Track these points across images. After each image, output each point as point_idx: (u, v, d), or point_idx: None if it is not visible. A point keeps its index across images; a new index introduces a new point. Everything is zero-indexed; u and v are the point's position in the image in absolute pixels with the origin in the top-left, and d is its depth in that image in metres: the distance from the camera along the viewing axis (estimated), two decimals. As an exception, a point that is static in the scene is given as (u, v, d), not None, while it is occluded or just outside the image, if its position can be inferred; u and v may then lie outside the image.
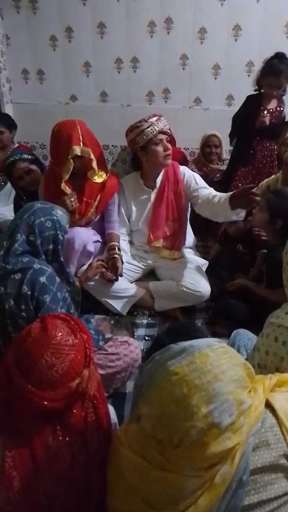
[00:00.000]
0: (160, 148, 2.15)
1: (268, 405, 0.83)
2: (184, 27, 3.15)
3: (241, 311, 2.08)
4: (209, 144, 3.12)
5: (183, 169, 2.35)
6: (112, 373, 1.60)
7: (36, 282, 1.37)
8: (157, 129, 2.10)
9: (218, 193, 2.16)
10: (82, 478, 0.87)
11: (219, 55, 3.22)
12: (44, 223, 1.51)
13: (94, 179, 2.21)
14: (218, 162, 3.24)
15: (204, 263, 2.43)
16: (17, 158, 2.26)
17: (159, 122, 2.12)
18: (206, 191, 2.23)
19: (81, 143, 2.04)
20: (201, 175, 3.10)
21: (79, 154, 2.04)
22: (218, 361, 0.77)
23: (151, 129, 2.10)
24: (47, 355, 0.84)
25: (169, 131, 2.18)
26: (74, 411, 0.86)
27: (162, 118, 2.16)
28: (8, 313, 1.34)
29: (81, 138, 2.04)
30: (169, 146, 2.18)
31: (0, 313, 1.34)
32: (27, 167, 2.28)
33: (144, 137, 2.12)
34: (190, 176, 2.31)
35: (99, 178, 2.23)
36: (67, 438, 0.86)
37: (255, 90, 2.72)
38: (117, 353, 1.63)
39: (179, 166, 2.34)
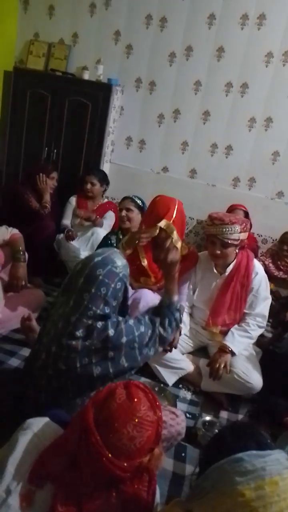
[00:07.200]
0: (210, 247, 2.28)
1: None
2: (282, 127, 3.38)
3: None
4: (283, 240, 3.20)
5: (258, 268, 2.36)
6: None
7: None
8: (211, 233, 2.23)
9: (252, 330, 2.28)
10: None
11: (310, 158, 3.39)
12: (115, 289, 1.46)
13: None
14: None
15: (258, 351, 2.41)
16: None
17: (219, 228, 2.18)
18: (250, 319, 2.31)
19: (171, 220, 2.21)
20: (271, 268, 3.20)
21: (163, 227, 2.20)
22: (286, 493, 0.75)
23: (210, 230, 2.23)
24: (130, 427, 0.86)
25: (226, 241, 2.20)
26: (133, 481, 0.90)
27: (230, 227, 2.17)
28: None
29: (173, 216, 2.21)
30: (218, 252, 2.23)
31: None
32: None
33: (205, 231, 2.32)
34: (258, 286, 2.32)
35: (183, 250, 2.35)
36: (118, 507, 0.89)
37: None
38: (164, 421, 1.61)
39: (254, 260, 2.38)
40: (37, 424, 1.02)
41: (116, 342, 1.44)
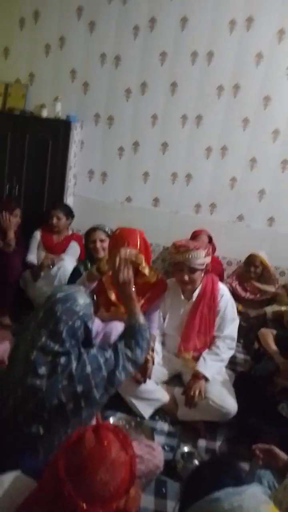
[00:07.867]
0: (177, 274, 2.33)
1: None
2: (236, 154, 3.55)
3: (263, 433, 2.03)
4: (248, 262, 3.30)
5: (223, 290, 2.43)
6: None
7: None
8: (178, 260, 2.28)
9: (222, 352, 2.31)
10: None
11: (266, 182, 3.56)
12: (73, 327, 1.43)
13: (148, 279, 2.33)
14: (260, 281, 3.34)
15: (231, 374, 2.44)
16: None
17: (185, 255, 2.23)
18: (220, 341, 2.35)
19: (137, 249, 2.24)
20: (238, 290, 3.28)
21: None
22: None
23: (176, 257, 2.29)
24: (102, 472, 0.84)
25: (193, 266, 2.26)
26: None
27: (196, 252, 2.24)
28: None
29: (138, 245, 2.24)
30: (186, 278, 2.28)
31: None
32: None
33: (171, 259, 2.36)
34: (225, 308, 2.37)
35: (152, 277, 2.35)
36: None
37: None
38: (140, 456, 1.55)
39: (219, 282, 2.45)
40: (8, 480, 0.98)
41: (81, 374, 1.40)
